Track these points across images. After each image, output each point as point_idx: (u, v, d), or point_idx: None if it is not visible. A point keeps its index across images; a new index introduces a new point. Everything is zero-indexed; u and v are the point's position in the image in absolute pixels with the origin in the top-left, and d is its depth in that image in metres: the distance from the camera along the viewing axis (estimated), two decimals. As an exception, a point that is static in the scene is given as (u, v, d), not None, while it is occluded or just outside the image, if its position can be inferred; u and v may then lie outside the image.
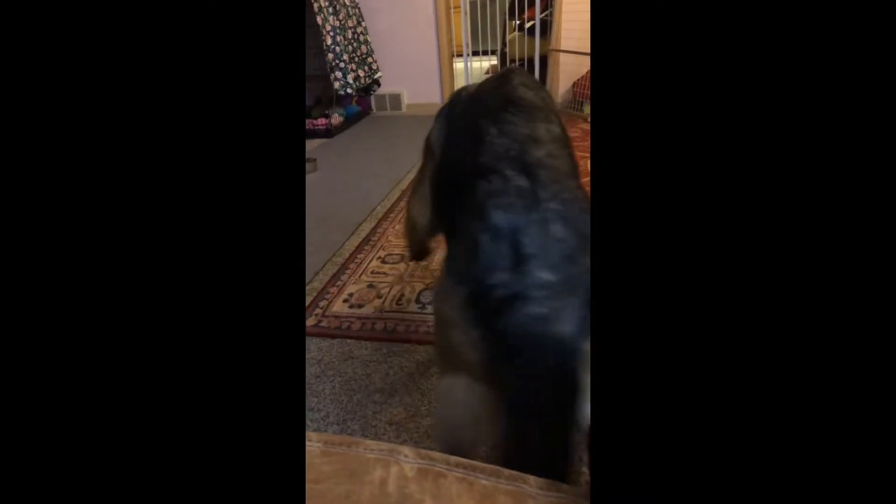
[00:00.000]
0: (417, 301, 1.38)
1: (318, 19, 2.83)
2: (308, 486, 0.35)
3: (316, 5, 2.81)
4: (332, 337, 1.27)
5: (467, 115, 0.84)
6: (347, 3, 3.12)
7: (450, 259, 0.68)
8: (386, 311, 1.35)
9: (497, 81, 0.87)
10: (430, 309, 1.33)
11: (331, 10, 2.92)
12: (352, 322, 1.32)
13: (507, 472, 0.39)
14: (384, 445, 0.39)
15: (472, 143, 0.74)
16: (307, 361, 1.19)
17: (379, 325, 1.29)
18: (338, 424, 1.01)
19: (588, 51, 2.80)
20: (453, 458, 0.39)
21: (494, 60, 4.15)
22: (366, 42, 3.30)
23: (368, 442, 0.39)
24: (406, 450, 0.39)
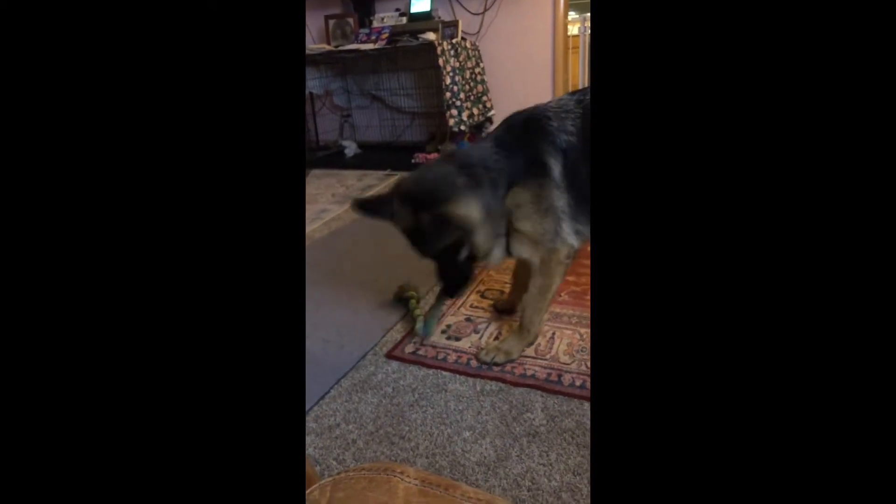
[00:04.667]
0: (515, 340, 1.35)
1: (441, 61, 3.00)
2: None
3: (439, 48, 2.99)
4: (428, 367, 1.28)
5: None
6: (468, 47, 3.28)
7: None
8: (482, 348, 1.33)
9: None
10: (528, 350, 1.29)
11: (452, 52, 3.09)
12: (448, 354, 1.32)
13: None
14: (482, 495, 0.37)
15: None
16: (402, 388, 1.21)
17: (475, 362, 1.28)
18: (426, 458, 1.00)
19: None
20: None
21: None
22: (482, 81, 3.43)
23: (465, 487, 0.38)
24: (503, 503, 0.37)
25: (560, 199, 1.15)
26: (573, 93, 1.23)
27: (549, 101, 1.22)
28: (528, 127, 1.19)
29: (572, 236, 1.18)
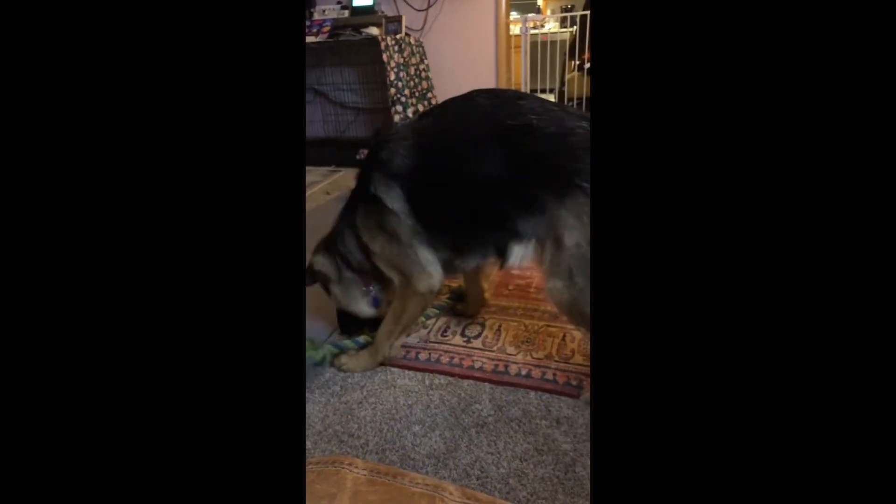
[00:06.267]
0: (463, 334, 1.37)
1: (385, 56, 2.98)
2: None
3: (383, 44, 2.96)
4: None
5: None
6: (412, 42, 3.27)
7: None
8: (430, 342, 1.35)
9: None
10: (475, 343, 1.32)
11: (396, 48, 3.07)
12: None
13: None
14: (429, 480, 0.38)
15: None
16: (350, 387, 1.20)
17: (423, 356, 1.29)
18: (376, 454, 1.00)
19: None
20: (499, 501, 0.37)
21: (552, 98, 4.20)
22: (427, 78, 3.43)
23: (413, 475, 0.39)
24: (451, 487, 0.38)
25: (401, 226, 1.11)
26: (420, 116, 1.19)
27: (396, 125, 1.22)
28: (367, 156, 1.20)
29: (433, 265, 1.13)
